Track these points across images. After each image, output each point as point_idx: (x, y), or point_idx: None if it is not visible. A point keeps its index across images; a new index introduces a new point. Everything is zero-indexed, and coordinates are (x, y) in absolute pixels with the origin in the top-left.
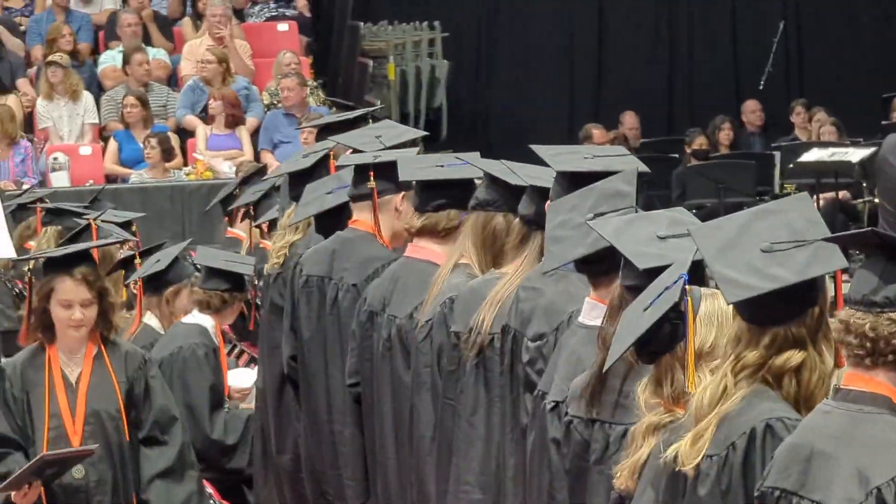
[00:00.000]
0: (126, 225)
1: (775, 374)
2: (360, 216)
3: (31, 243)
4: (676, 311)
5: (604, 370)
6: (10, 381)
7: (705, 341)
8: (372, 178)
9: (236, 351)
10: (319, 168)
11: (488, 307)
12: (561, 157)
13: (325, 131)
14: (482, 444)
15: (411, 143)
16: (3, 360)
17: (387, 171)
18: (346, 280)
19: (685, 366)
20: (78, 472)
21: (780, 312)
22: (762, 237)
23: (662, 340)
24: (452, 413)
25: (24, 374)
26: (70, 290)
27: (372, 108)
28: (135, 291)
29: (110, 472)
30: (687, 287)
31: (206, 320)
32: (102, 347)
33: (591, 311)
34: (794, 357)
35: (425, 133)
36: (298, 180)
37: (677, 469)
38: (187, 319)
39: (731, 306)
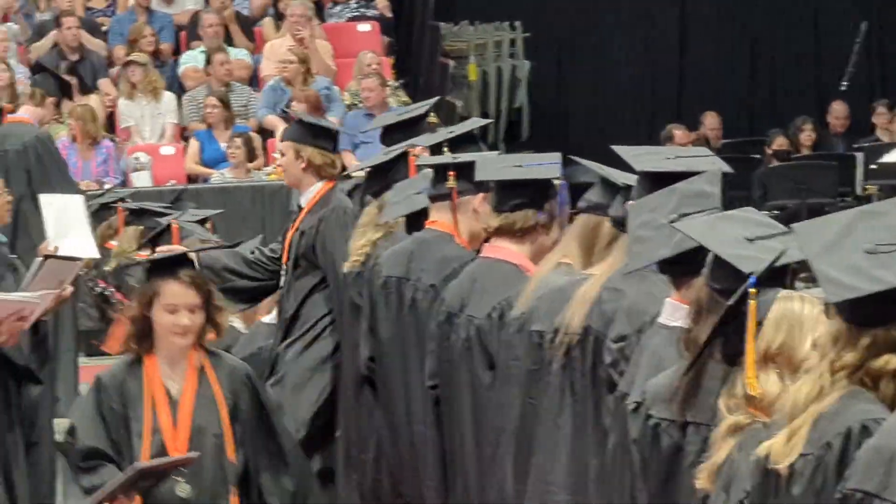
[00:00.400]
0: (201, 222)
1: (873, 377)
2: (438, 216)
3: (113, 243)
4: (737, 313)
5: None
6: (108, 392)
7: (772, 343)
8: (452, 179)
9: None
10: (398, 166)
11: (575, 308)
12: (643, 158)
13: (390, 131)
14: (568, 446)
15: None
16: (101, 372)
17: (466, 172)
18: (424, 281)
19: (745, 367)
20: (182, 490)
21: (882, 314)
22: (866, 238)
23: (736, 342)
24: (533, 412)
25: (124, 386)
26: (176, 293)
27: (428, 103)
28: None
29: (213, 490)
30: (754, 290)
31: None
32: (205, 360)
33: (673, 312)
34: (892, 360)
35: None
36: (376, 178)
37: (769, 467)
38: (267, 319)
39: (817, 309)
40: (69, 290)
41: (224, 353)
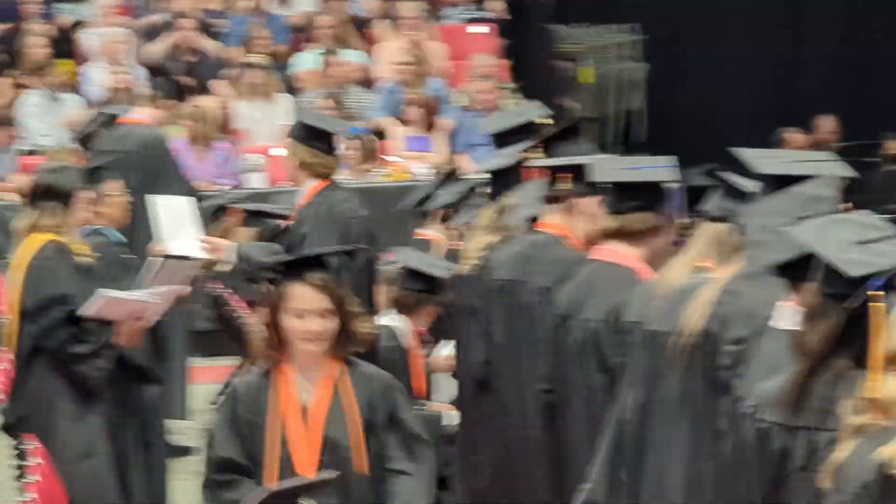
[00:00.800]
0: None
1: None
2: (551, 218)
3: None
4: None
5: None
6: (240, 402)
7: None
8: (566, 181)
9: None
10: (516, 170)
11: (694, 310)
12: (764, 161)
13: (503, 134)
14: (687, 449)
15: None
16: (236, 379)
17: (581, 174)
18: (537, 283)
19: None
20: None
21: None
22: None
23: (860, 345)
24: (648, 415)
25: (256, 395)
26: (305, 297)
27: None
28: None
29: None
30: (875, 293)
31: (400, 321)
32: (342, 367)
33: (788, 316)
34: None
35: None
36: (499, 181)
37: (886, 472)
38: (384, 321)
39: None
40: (188, 290)
41: (364, 362)
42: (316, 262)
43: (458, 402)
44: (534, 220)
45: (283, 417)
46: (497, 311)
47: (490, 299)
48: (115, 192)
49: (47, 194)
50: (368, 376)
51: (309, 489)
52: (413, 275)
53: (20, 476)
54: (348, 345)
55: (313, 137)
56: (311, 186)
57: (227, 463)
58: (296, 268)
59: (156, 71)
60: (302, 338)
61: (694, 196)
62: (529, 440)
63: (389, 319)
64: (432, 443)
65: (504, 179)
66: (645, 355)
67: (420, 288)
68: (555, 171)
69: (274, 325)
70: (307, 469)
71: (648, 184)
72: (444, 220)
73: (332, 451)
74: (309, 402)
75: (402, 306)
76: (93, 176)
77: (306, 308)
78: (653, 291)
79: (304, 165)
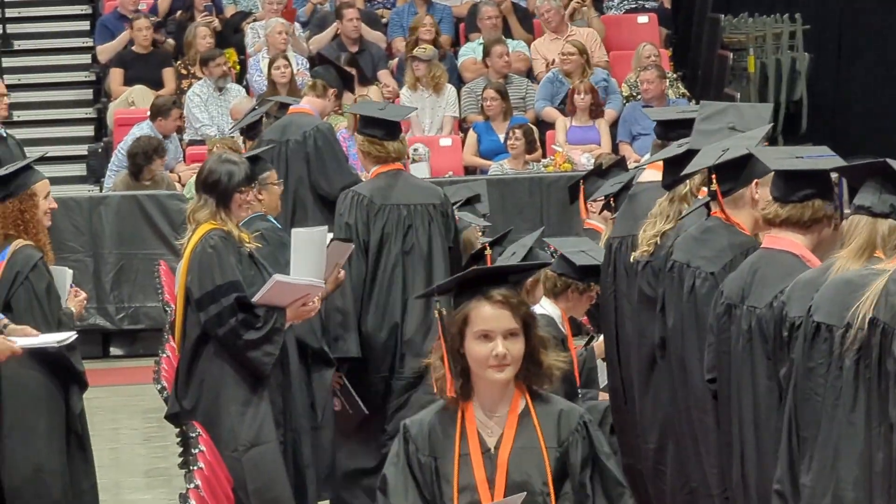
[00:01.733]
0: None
1: None
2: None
3: None
4: None
5: None
6: (415, 443)
7: None
8: (714, 181)
9: (594, 342)
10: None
11: (868, 301)
12: None
13: (668, 125)
14: (862, 443)
15: None
16: (409, 419)
17: (727, 171)
18: (704, 268)
19: None
20: None
21: None
22: None
23: None
24: (814, 407)
25: (432, 435)
26: (489, 316)
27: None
28: None
29: None
30: None
31: (554, 310)
32: (529, 401)
33: None
34: None
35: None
36: (670, 171)
37: None
38: (535, 310)
39: None
40: (343, 273)
41: (555, 395)
42: (499, 277)
43: (619, 393)
44: (708, 206)
45: (464, 460)
46: (670, 293)
47: (665, 282)
48: (273, 181)
49: (213, 185)
50: (558, 411)
51: None
52: (563, 260)
53: (186, 463)
54: (535, 373)
55: (367, 126)
56: (373, 171)
57: None
58: (477, 283)
59: (320, 61)
60: (490, 364)
61: (854, 188)
62: (697, 423)
63: (542, 308)
64: (630, 490)
65: (676, 169)
66: (811, 347)
67: (569, 273)
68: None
69: (454, 356)
70: None
71: (819, 173)
72: (609, 209)
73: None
74: (493, 442)
75: (553, 292)
76: (256, 166)
77: (492, 328)
78: (819, 282)
79: (364, 153)
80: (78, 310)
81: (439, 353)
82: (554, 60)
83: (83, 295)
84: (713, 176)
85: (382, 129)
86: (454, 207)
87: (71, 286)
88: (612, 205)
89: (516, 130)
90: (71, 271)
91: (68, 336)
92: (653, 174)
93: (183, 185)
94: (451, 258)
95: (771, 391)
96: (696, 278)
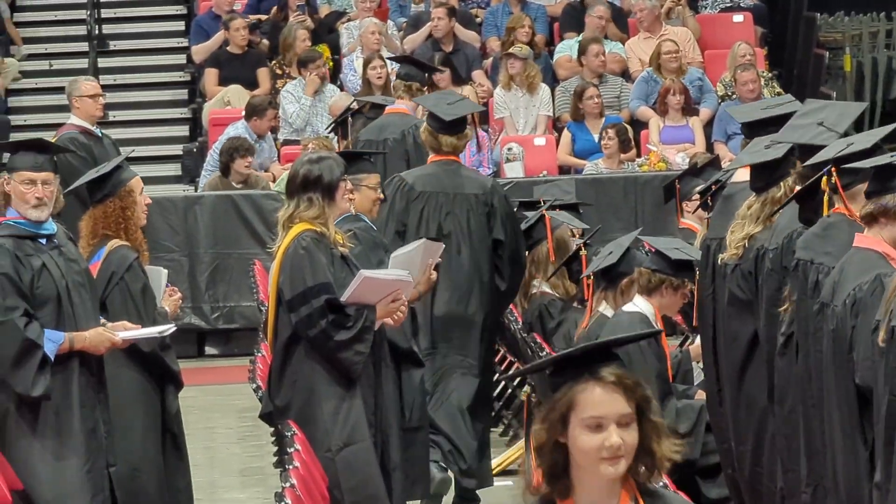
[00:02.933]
0: (572, 207)
1: None
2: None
3: None
4: None
5: None
6: None
7: None
8: (834, 174)
9: (688, 342)
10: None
11: None
12: None
13: (757, 125)
14: None
15: None
16: None
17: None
18: (828, 264)
19: None
20: None
21: None
22: None
23: None
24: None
25: None
26: (600, 401)
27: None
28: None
29: None
30: None
31: (647, 307)
32: (640, 499)
33: None
34: None
35: None
36: (761, 174)
37: None
38: (628, 307)
39: None
40: (434, 275)
41: (666, 491)
42: (607, 353)
43: (708, 396)
44: (802, 201)
45: None
46: (795, 291)
47: (790, 280)
48: (370, 183)
49: (307, 185)
50: None
51: None
52: (659, 256)
53: (281, 462)
54: (647, 465)
55: (430, 117)
56: (429, 159)
57: None
58: (584, 360)
59: (401, 61)
60: (602, 457)
61: None
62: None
63: (636, 305)
64: None
65: (769, 172)
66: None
67: (664, 269)
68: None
69: (553, 447)
70: None
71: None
72: (705, 208)
73: None
74: None
75: (647, 288)
76: (350, 166)
77: (605, 415)
78: None
79: (424, 141)
80: (173, 309)
81: (537, 442)
82: (651, 59)
83: (178, 294)
84: (833, 170)
85: (438, 123)
86: (549, 207)
87: (166, 286)
88: (710, 204)
89: (609, 130)
90: (166, 271)
91: (168, 328)
92: (746, 173)
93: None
94: (507, 249)
95: (853, 391)
96: (819, 274)
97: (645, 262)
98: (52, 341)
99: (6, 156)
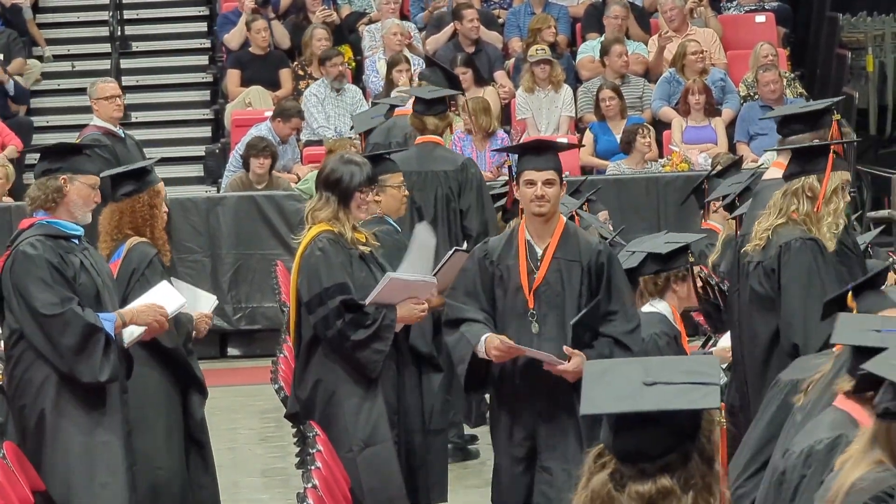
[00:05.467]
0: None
1: None
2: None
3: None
4: None
5: None
6: None
7: None
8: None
9: (710, 343)
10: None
11: None
12: None
13: (788, 122)
14: None
15: None
16: None
17: None
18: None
19: None
20: None
21: None
22: None
23: None
24: None
25: None
26: None
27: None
28: None
29: None
30: None
31: (664, 307)
32: None
33: None
34: None
35: None
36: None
37: None
38: (646, 308)
39: None
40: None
41: None
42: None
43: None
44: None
45: None
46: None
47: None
48: (394, 182)
49: (328, 184)
50: None
51: None
52: (651, 259)
53: (304, 463)
54: None
55: (416, 103)
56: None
57: None
58: None
59: (428, 64)
60: None
61: None
62: None
63: (653, 306)
64: None
65: (803, 160)
66: None
67: (662, 267)
68: None
69: None
70: None
71: None
72: (729, 208)
73: None
74: None
75: (657, 292)
76: (378, 166)
77: None
78: None
79: (412, 126)
80: (200, 328)
81: None
82: (674, 60)
83: (209, 320)
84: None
85: (421, 104)
86: (579, 208)
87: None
88: (737, 204)
89: (644, 130)
90: (215, 300)
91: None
92: (776, 171)
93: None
94: (474, 220)
95: None
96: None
97: (644, 271)
98: (108, 321)
99: (28, 157)
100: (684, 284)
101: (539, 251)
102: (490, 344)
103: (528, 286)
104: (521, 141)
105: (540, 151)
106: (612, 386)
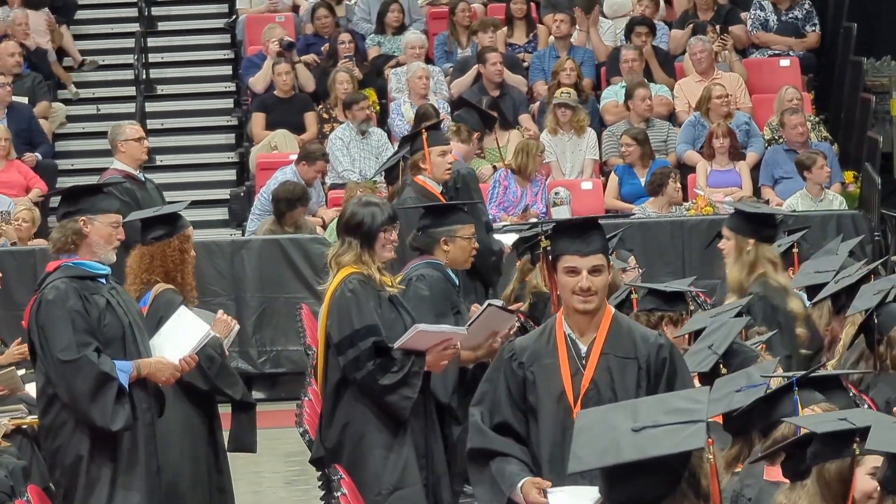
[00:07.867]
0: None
1: None
2: None
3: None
4: None
5: None
6: None
7: None
8: None
9: None
10: None
11: None
12: None
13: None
14: None
15: None
16: None
17: None
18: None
19: None
20: None
21: None
22: None
23: None
24: None
25: None
26: None
27: None
28: None
29: None
30: None
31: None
32: None
33: None
34: None
35: None
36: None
37: None
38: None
39: None
40: (498, 344)
41: None
42: None
43: None
44: None
45: None
46: None
47: None
48: (465, 234)
49: (349, 228)
50: None
51: None
52: (652, 295)
53: None
54: None
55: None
56: None
57: None
58: None
59: (461, 105)
60: None
61: None
62: None
63: None
64: None
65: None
66: None
67: (659, 306)
68: None
69: None
70: None
71: None
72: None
73: None
74: None
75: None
76: (446, 217)
77: None
78: None
79: None
80: (223, 333)
81: None
82: (698, 103)
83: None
84: None
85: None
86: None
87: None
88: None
89: (675, 173)
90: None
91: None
92: None
93: (325, 228)
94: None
95: None
96: None
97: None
98: (123, 371)
99: (53, 200)
100: (676, 329)
101: (584, 348)
102: (527, 493)
103: (572, 390)
104: (546, 184)
105: (584, 231)
106: (601, 438)
